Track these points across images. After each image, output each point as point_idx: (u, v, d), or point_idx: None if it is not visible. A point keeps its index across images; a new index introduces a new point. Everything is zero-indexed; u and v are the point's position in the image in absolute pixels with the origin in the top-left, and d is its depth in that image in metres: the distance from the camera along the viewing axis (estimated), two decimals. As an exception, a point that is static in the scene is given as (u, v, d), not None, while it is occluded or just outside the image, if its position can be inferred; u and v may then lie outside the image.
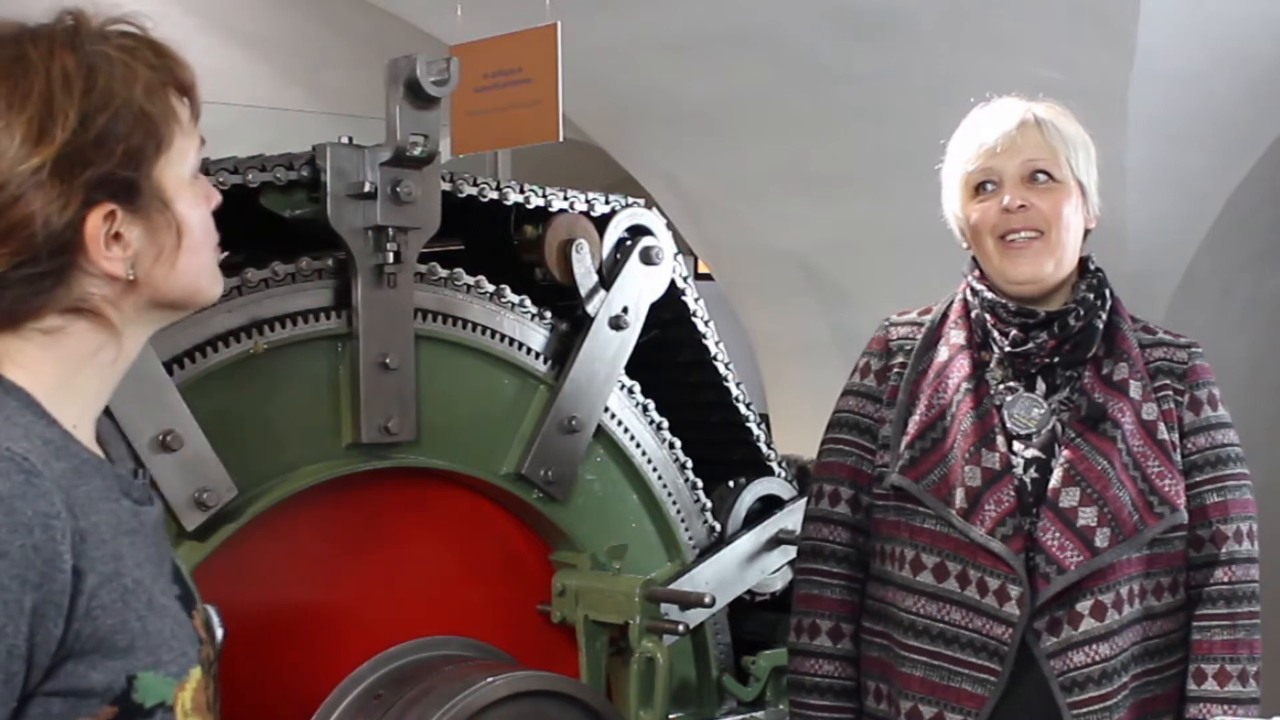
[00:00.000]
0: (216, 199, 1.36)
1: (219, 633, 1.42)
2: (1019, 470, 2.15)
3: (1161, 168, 4.30)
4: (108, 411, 1.38)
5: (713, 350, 2.78)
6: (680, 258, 2.71)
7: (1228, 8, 3.96)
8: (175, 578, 1.33)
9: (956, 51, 4.13)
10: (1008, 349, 2.18)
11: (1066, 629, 2.11)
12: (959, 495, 2.13)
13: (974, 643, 2.13)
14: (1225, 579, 2.17)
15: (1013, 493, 2.12)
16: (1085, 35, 3.99)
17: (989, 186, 2.17)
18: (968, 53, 4.11)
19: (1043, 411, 2.18)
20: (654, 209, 2.69)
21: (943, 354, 2.23)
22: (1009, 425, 2.17)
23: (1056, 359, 2.18)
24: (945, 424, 2.18)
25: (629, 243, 2.62)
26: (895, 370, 2.27)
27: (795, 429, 4.89)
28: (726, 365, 2.80)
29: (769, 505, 2.85)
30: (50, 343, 1.26)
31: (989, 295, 2.19)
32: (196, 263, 1.32)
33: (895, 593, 2.21)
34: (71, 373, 1.27)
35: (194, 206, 1.31)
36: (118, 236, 1.25)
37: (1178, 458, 2.17)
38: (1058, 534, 2.10)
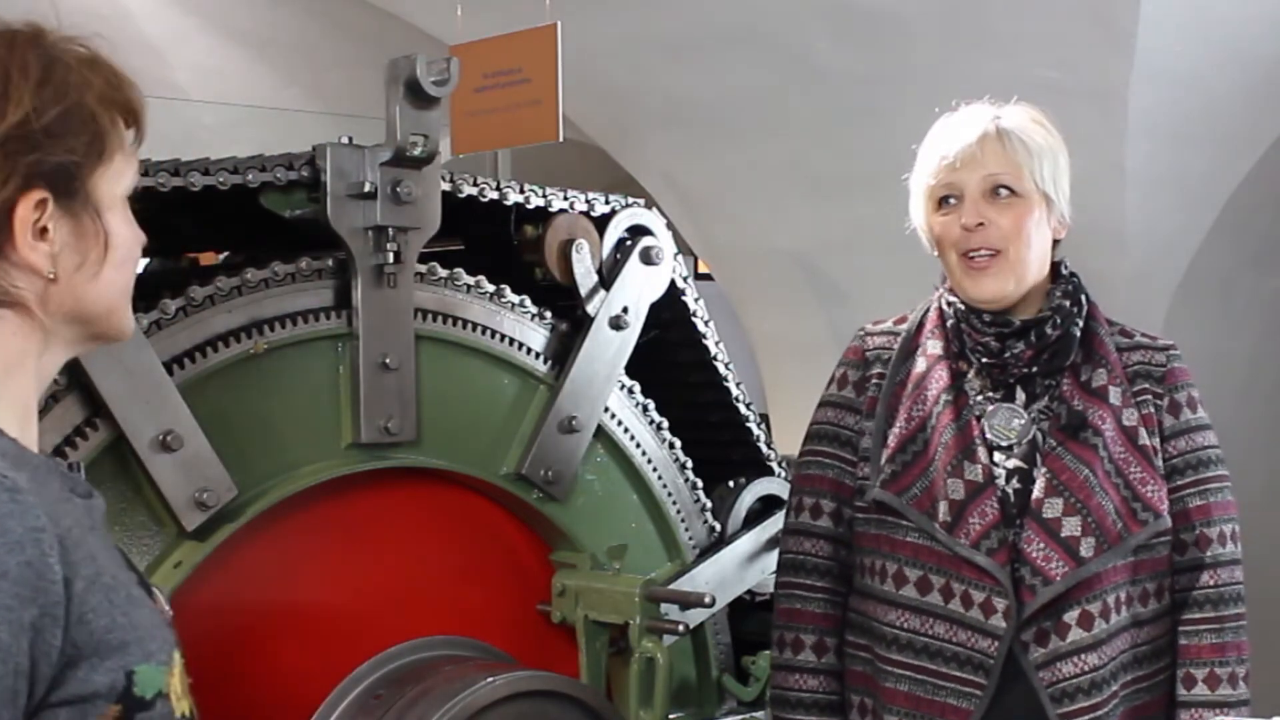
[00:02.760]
0: (143, 239, 1.38)
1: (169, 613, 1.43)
2: (1001, 482, 2.14)
3: (1161, 168, 4.30)
4: None
5: (713, 350, 2.77)
6: (680, 258, 2.70)
7: (1228, 9, 3.96)
8: (128, 565, 1.34)
9: (956, 52, 4.14)
10: (985, 360, 2.17)
11: (1054, 640, 2.10)
12: (942, 509, 2.13)
13: (959, 656, 2.12)
14: (1211, 582, 2.16)
15: (996, 505, 2.12)
16: (1085, 35, 3.99)
17: (951, 200, 2.15)
18: (968, 53, 4.11)
19: (1023, 422, 2.16)
20: (654, 209, 2.68)
21: (920, 365, 2.22)
22: (989, 436, 2.16)
23: (1034, 368, 2.17)
24: (926, 436, 2.17)
25: (629, 243, 2.62)
26: (873, 381, 2.26)
27: (795, 429, 4.89)
28: (726, 365, 2.79)
29: (769, 505, 2.84)
30: None
31: (962, 306, 2.18)
32: (119, 279, 1.32)
33: (878, 607, 2.20)
34: (3, 378, 1.27)
35: (125, 224, 1.33)
36: (44, 231, 1.25)
37: (1159, 462, 2.16)
38: (1042, 545, 2.10)
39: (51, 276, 1.26)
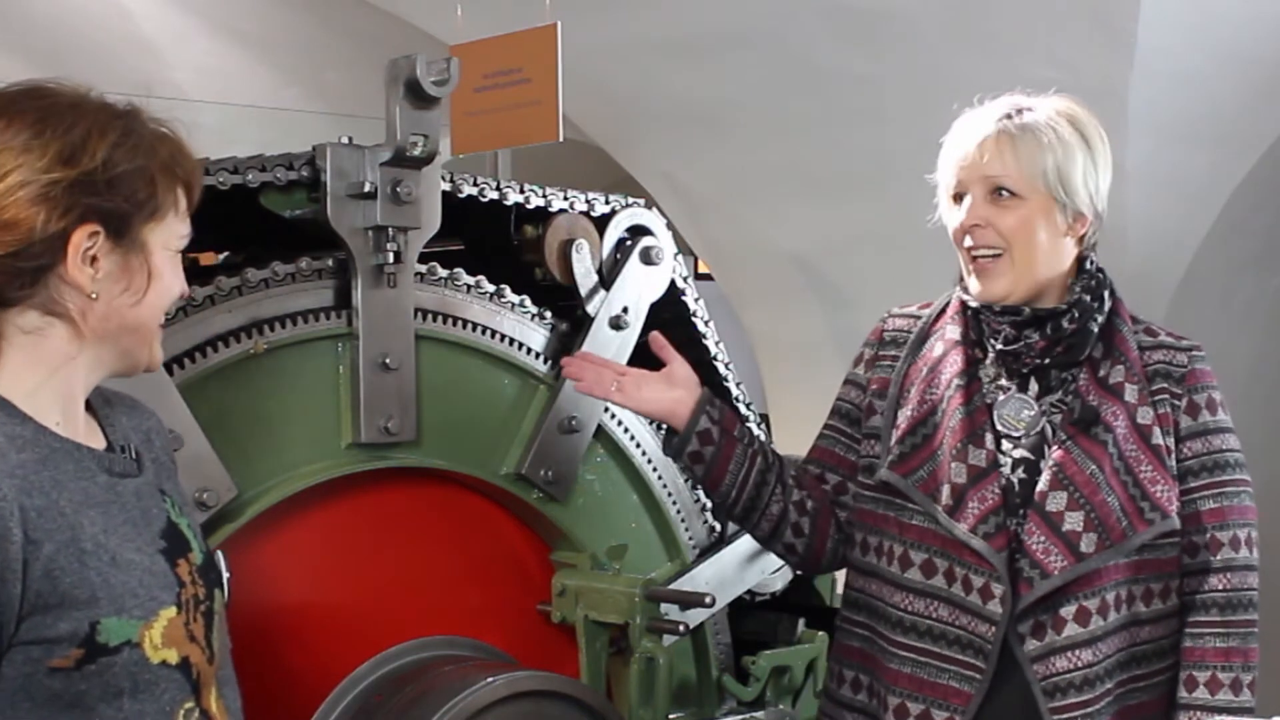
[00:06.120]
0: (185, 290, 1.64)
1: (224, 575, 1.67)
2: (1006, 469, 2.15)
3: (1161, 168, 4.30)
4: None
5: (713, 350, 2.77)
6: (680, 258, 2.70)
7: (1228, 8, 3.96)
8: (164, 533, 1.58)
9: (956, 52, 4.14)
10: (999, 347, 2.17)
11: (1050, 633, 2.10)
12: (945, 492, 2.14)
13: (960, 639, 2.13)
14: (1221, 586, 2.14)
15: (997, 490, 2.12)
16: (1085, 35, 3.99)
17: (965, 197, 2.17)
18: (968, 53, 4.11)
19: (1033, 414, 2.17)
20: (654, 209, 2.69)
21: (937, 349, 2.23)
22: (998, 426, 2.17)
23: (1048, 360, 2.17)
24: (936, 420, 2.18)
25: (629, 243, 2.62)
26: (885, 361, 2.28)
27: (795, 429, 4.90)
28: (726, 365, 2.79)
29: (769, 505, 2.84)
30: (31, 345, 1.52)
31: (974, 303, 2.19)
32: (157, 307, 1.59)
33: (883, 588, 2.21)
34: (48, 376, 1.53)
35: (167, 266, 1.59)
36: (94, 259, 1.52)
37: (1172, 463, 2.15)
38: (1043, 538, 2.10)
39: (94, 296, 1.52)
